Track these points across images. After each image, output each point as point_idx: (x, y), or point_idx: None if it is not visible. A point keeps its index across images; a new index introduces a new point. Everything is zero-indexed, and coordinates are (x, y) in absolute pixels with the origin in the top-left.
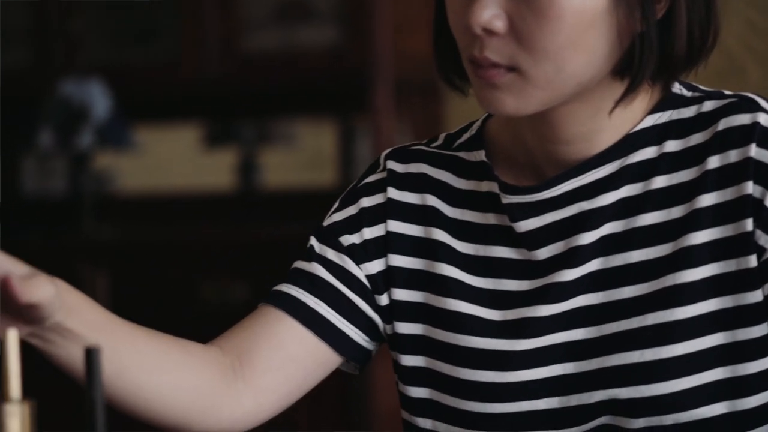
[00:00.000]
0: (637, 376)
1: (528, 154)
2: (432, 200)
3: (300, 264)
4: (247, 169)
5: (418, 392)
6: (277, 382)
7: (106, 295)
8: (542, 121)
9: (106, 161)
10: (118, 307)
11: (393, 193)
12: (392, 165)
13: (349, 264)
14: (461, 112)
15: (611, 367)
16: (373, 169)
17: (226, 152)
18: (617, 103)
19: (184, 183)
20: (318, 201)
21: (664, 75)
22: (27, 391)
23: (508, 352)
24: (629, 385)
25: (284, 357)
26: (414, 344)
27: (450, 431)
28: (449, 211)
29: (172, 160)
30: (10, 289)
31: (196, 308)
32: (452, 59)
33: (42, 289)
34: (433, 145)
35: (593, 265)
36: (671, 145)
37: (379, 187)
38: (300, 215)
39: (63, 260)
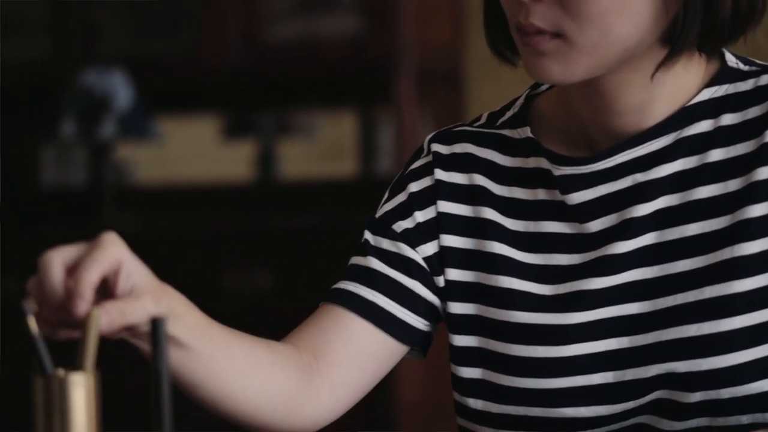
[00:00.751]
0: (695, 349)
1: (581, 127)
2: (479, 179)
3: (356, 259)
4: (267, 160)
5: (469, 372)
6: (352, 375)
7: None
8: (595, 92)
9: (125, 152)
10: None
11: (440, 174)
12: (437, 147)
13: (405, 249)
14: (483, 100)
15: (668, 341)
16: (417, 154)
17: (245, 143)
18: (658, 67)
19: (204, 174)
20: (338, 192)
21: (709, 41)
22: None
23: (561, 326)
24: (686, 358)
25: (355, 351)
26: (466, 324)
27: (502, 410)
28: (497, 189)
29: (192, 151)
30: (106, 314)
31: (218, 298)
32: (501, 31)
33: (133, 315)
34: (477, 124)
35: (648, 238)
36: (728, 119)
37: (425, 171)
38: (320, 206)
39: None
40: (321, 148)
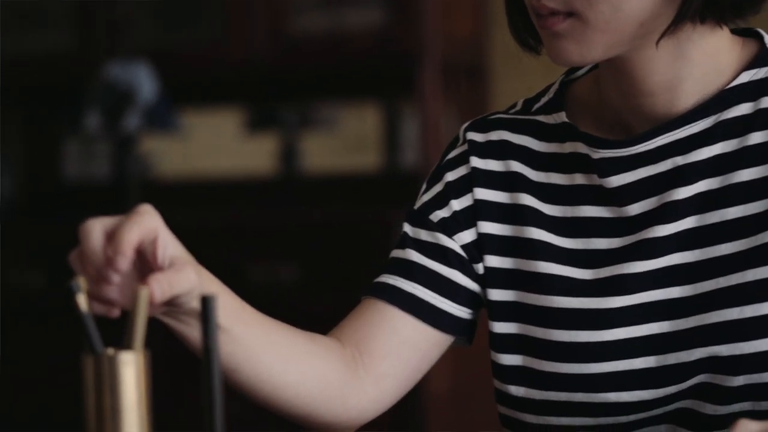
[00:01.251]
0: (737, 333)
1: (614, 111)
2: (516, 166)
3: (395, 253)
4: (290, 153)
5: (510, 359)
6: (396, 367)
7: None
8: (621, 74)
9: (149, 145)
10: None
11: (476, 162)
12: (472, 136)
13: (442, 239)
14: (508, 93)
15: (710, 324)
16: (453, 144)
17: (269, 136)
18: (663, 33)
19: (227, 167)
20: (361, 185)
21: (712, 10)
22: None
23: (602, 311)
24: (729, 342)
25: (399, 343)
26: (506, 311)
27: (544, 396)
28: (533, 175)
29: (215, 144)
30: (149, 286)
31: (242, 291)
32: (523, 18)
33: (181, 285)
34: (512, 111)
35: (688, 222)
36: None
37: (461, 160)
38: (343, 200)
39: None
40: (344, 142)
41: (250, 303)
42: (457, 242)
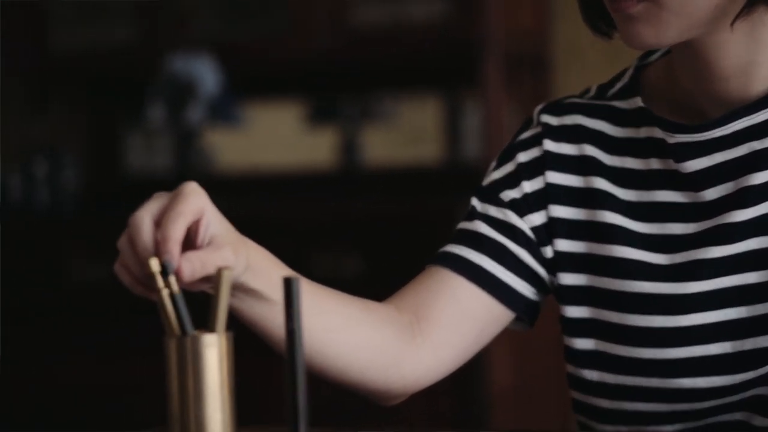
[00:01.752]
0: None
1: (688, 95)
2: (590, 150)
3: (463, 224)
4: (351, 145)
5: (583, 344)
6: (455, 336)
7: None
8: (694, 58)
9: (212, 138)
10: None
11: (549, 145)
12: (547, 119)
13: (512, 217)
14: (570, 85)
15: None
16: (526, 125)
17: (329, 129)
18: (737, 16)
19: (288, 160)
20: (423, 178)
21: None
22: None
23: (678, 296)
24: None
25: (459, 312)
26: (578, 295)
27: (618, 381)
28: (608, 159)
29: (276, 136)
30: (188, 264)
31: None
32: (595, 2)
33: (214, 264)
34: (587, 96)
35: (765, 206)
36: None
37: (534, 142)
38: (404, 192)
39: None
40: (405, 134)
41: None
42: (526, 224)
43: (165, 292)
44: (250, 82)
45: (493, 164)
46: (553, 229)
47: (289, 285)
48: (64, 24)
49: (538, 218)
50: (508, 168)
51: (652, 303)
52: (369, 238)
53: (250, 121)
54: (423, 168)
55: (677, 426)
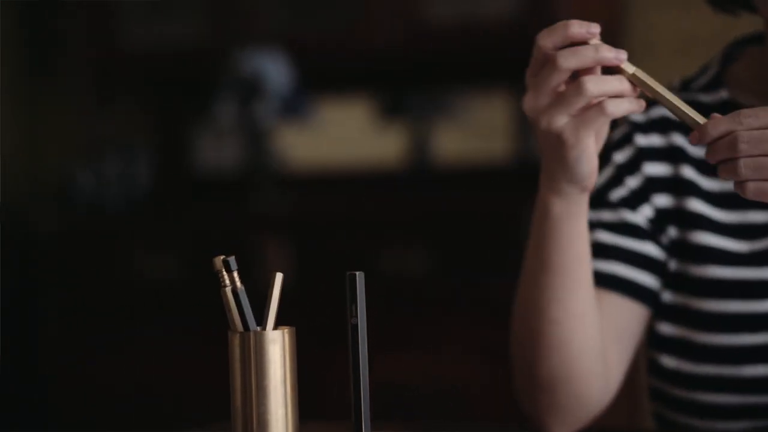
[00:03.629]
0: None
1: None
2: (678, 139)
3: None
4: (421, 141)
5: (667, 329)
6: (617, 353)
7: (286, 267)
8: None
9: (282, 134)
10: (300, 278)
11: (640, 140)
12: (633, 116)
13: (627, 215)
14: None
15: None
16: (614, 126)
17: (399, 125)
18: None
19: (359, 156)
20: (492, 174)
21: None
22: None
23: (756, 281)
24: None
25: (612, 327)
26: (669, 280)
27: (693, 370)
28: (694, 148)
29: (347, 132)
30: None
31: (376, 281)
32: None
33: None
34: (671, 89)
35: None
36: None
37: (626, 140)
38: (474, 188)
39: (242, 233)
40: (475, 130)
41: (383, 293)
42: (641, 216)
43: (228, 289)
44: (319, 78)
45: None
46: (661, 216)
47: (353, 280)
48: (133, 21)
49: (648, 209)
50: (608, 171)
51: (729, 288)
52: (438, 235)
53: (320, 118)
54: (493, 164)
55: (746, 423)
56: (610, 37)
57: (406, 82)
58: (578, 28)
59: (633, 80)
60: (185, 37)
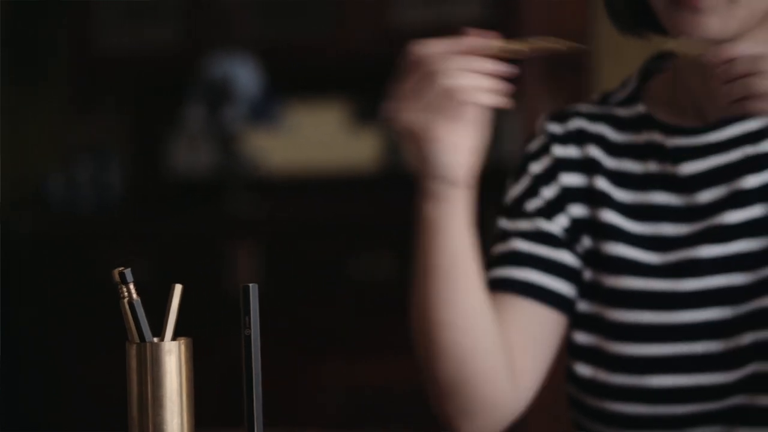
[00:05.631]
0: None
1: (691, 96)
2: (593, 151)
3: (497, 247)
4: (394, 146)
5: (582, 338)
6: (530, 360)
7: (256, 272)
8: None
9: (252, 138)
10: (271, 282)
11: (557, 150)
12: (551, 127)
13: (542, 224)
14: (612, 85)
15: (765, 309)
16: (534, 136)
17: (372, 129)
18: None
19: (330, 161)
20: None
21: None
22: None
23: (669, 293)
24: None
25: (526, 333)
26: (585, 291)
27: (606, 379)
28: (609, 161)
29: (319, 137)
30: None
31: (344, 285)
32: (630, 3)
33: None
34: (590, 103)
35: (756, 210)
36: None
37: (543, 151)
38: None
39: (212, 238)
40: None
41: (356, 296)
42: (556, 225)
43: (125, 300)
44: (292, 82)
45: (510, 182)
46: (577, 226)
47: (247, 292)
48: (108, 26)
49: (563, 219)
50: (525, 182)
51: (641, 299)
52: (412, 239)
53: (292, 123)
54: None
55: None
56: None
57: (378, 87)
58: (471, 41)
59: (504, 54)
60: (160, 42)
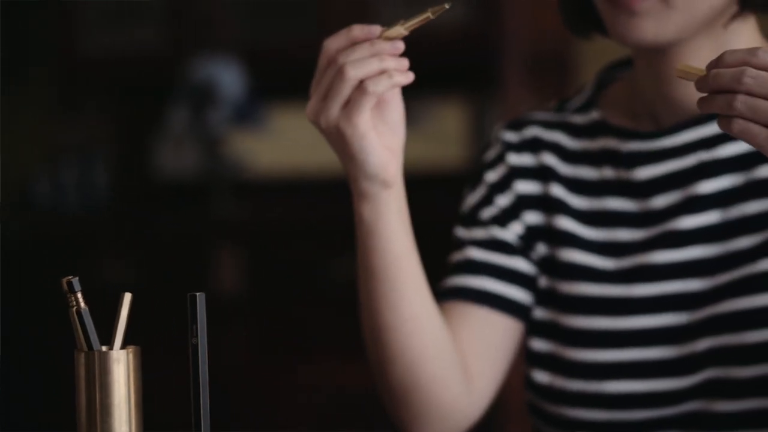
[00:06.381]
0: (746, 322)
1: (646, 101)
2: (548, 159)
3: (453, 256)
4: None
5: (539, 345)
6: (485, 365)
7: (241, 273)
8: (662, 62)
9: (237, 141)
10: (254, 285)
11: (513, 158)
12: (507, 136)
13: (497, 232)
14: None
15: (721, 314)
16: (490, 145)
17: None
18: (733, 17)
19: (316, 163)
20: (445, 181)
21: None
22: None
23: (623, 299)
24: (738, 331)
25: (480, 339)
26: (541, 298)
27: (563, 385)
28: (564, 168)
29: (302, 140)
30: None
31: (327, 287)
32: (576, 2)
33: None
34: (546, 109)
35: (711, 216)
36: None
37: (498, 159)
38: (427, 194)
39: (197, 240)
40: (429, 136)
41: (340, 299)
42: (511, 233)
43: (73, 309)
44: (276, 86)
45: (466, 190)
46: (531, 234)
47: (194, 301)
48: (94, 28)
49: (518, 226)
50: (480, 190)
51: (596, 305)
52: None
53: (276, 125)
54: (447, 170)
55: None
56: (560, 45)
57: None
58: (360, 31)
59: (386, 40)
60: (145, 45)
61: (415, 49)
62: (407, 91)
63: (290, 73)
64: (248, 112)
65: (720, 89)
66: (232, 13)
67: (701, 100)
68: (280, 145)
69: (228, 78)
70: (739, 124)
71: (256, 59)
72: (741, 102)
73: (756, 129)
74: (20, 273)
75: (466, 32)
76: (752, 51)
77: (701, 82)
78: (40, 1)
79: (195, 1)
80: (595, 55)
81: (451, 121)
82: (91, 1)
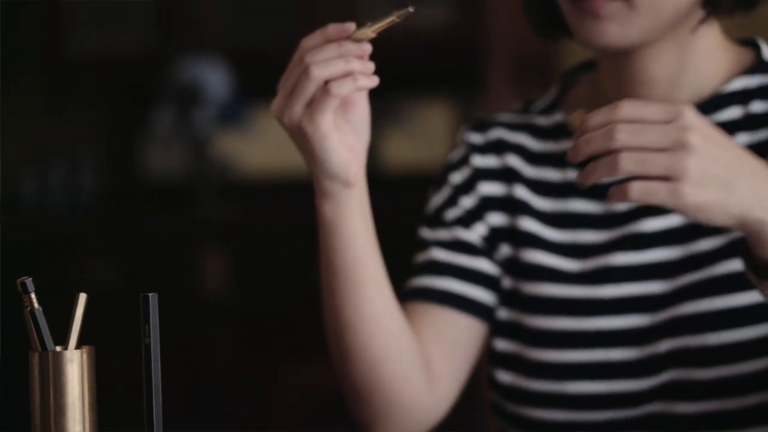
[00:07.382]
0: (707, 323)
1: (610, 102)
2: (512, 160)
3: (418, 257)
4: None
5: (502, 345)
6: (448, 366)
7: (228, 274)
8: (626, 64)
9: (224, 143)
10: (241, 286)
11: (477, 160)
12: (472, 137)
13: (461, 233)
14: None
15: (682, 316)
16: (455, 146)
17: None
18: (701, 21)
19: (303, 164)
20: (431, 182)
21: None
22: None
23: (587, 300)
24: (698, 333)
25: (444, 340)
26: (505, 298)
27: (525, 386)
28: (528, 169)
29: (288, 140)
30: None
31: (316, 287)
32: (541, 5)
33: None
34: (512, 111)
35: (674, 218)
36: (757, 106)
37: (463, 161)
38: (412, 195)
39: (183, 242)
40: (414, 137)
41: (321, 297)
42: (475, 234)
43: (27, 309)
44: (262, 87)
45: (431, 191)
46: (494, 235)
47: (146, 301)
48: (81, 30)
49: (482, 228)
50: (445, 192)
51: (560, 306)
52: (386, 241)
53: (262, 126)
54: (431, 170)
55: None
56: (545, 46)
57: None
58: (334, 30)
59: (354, 42)
60: (131, 46)
61: (400, 51)
62: (392, 93)
63: (276, 74)
64: (234, 113)
65: (595, 153)
66: (218, 14)
67: (580, 175)
68: (266, 145)
69: (214, 79)
70: (636, 188)
71: (242, 60)
72: (626, 159)
73: (655, 186)
74: (8, 274)
75: (450, 34)
76: (612, 106)
77: (573, 153)
78: (29, 2)
79: (181, 2)
80: (578, 56)
81: (435, 122)
82: (79, 2)
